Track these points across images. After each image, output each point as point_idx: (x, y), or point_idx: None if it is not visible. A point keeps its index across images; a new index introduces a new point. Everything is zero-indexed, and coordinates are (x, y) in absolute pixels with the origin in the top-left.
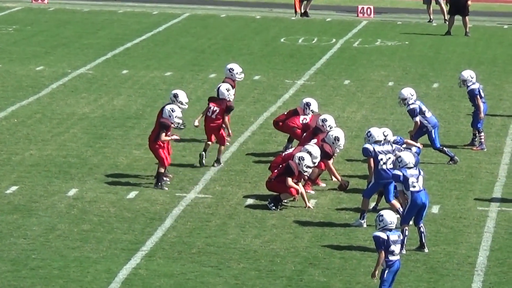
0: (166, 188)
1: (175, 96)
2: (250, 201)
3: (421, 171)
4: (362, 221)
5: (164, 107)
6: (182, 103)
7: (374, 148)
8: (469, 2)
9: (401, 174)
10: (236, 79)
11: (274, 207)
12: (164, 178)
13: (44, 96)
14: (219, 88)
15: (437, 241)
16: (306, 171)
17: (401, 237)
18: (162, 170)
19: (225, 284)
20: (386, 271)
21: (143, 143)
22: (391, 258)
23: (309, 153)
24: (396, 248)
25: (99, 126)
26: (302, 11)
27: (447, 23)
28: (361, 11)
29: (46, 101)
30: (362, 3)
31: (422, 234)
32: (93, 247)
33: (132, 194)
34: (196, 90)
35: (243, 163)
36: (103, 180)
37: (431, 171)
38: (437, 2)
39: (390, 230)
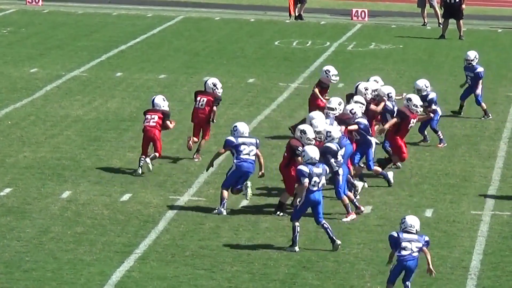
0: None
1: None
2: (243, 204)
3: (326, 169)
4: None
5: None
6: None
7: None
8: (463, 6)
9: (307, 170)
10: None
11: (282, 213)
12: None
13: (38, 98)
14: (206, 81)
15: (430, 245)
16: (310, 144)
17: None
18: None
19: (219, 287)
20: (395, 265)
21: (137, 145)
22: (403, 253)
23: (310, 124)
24: (407, 244)
25: (93, 129)
26: (296, 14)
27: (441, 26)
28: (355, 14)
29: (40, 103)
30: (356, 6)
31: (328, 230)
32: (87, 250)
33: (125, 197)
34: (190, 93)
35: None
36: (97, 182)
37: (424, 175)
38: (431, 6)
39: (410, 232)
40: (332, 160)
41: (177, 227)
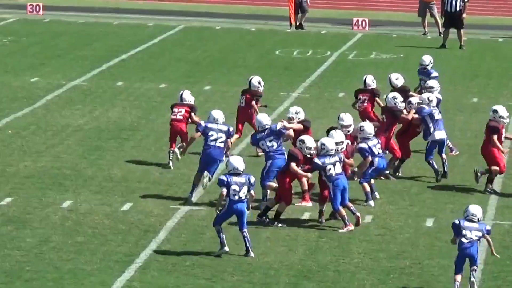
0: None
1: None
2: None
3: (250, 178)
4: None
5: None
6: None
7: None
8: (464, 15)
9: (225, 179)
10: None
11: (280, 224)
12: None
13: (39, 107)
14: (250, 80)
15: (431, 255)
16: (309, 153)
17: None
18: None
19: None
20: (458, 254)
21: (138, 155)
22: (463, 241)
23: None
24: (467, 232)
25: (94, 138)
26: (297, 24)
27: (442, 36)
28: (356, 23)
29: (41, 112)
30: (357, 16)
31: (246, 239)
32: (87, 259)
33: (126, 206)
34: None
35: None
36: (98, 192)
37: (425, 184)
38: (432, 15)
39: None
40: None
41: (178, 237)
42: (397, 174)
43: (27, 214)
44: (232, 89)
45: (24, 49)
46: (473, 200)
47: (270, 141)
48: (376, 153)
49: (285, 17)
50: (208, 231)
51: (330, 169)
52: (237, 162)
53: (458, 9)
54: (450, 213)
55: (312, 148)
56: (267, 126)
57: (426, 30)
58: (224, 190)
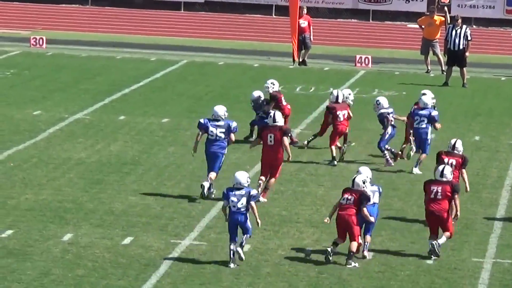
0: None
1: None
2: (245, 249)
3: (251, 191)
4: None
5: None
6: None
7: None
8: (467, 54)
9: (225, 192)
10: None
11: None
12: None
13: (40, 140)
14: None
15: None
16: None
17: None
18: None
19: None
20: None
21: (139, 189)
22: None
23: None
24: None
25: (95, 172)
26: (300, 60)
27: (445, 74)
28: (359, 60)
29: (43, 145)
30: (360, 52)
31: (242, 242)
32: None
33: (127, 240)
34: (193, 137)
35: None
36: (99, 225)
37: (425, 222)
38: (435, 53)
39: None
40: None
41: (178, 271)
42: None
43: (27, 246)
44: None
45: (27, 82)
46: (473, 238)
47: (219, 131)
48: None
49: (288, 53)
50: (209, 266)
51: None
52: (241, 177)
53: (461, 47)
54: (451, 251)
55: None
56: (223, 117)
57: (429, 68)
58: (225, 201)
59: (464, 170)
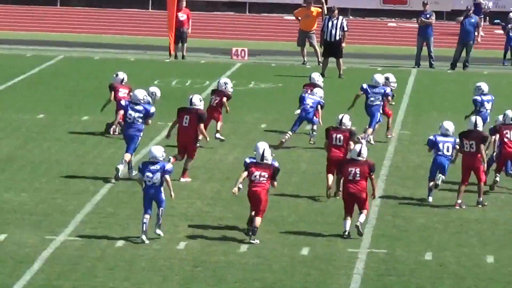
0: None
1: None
2: (119, 243)
3: (165, 165)
4: None
5: None
6: None
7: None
8: (343, 45)
9: (140, 166)
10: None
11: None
12: None
13: None
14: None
15: (306, 284)
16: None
17: None
18: None
19: None
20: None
21: (14, 185)
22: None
23: None
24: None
25: None
26: (177, 54)
27: (321, 65)
28: (235, 53)
29: None
30: (237, 45)
31: (158, 216)
32: None
33: (1, 237)
34: (66, 133)
35: (114, 205)
36: None
37: (301, 213)
38: (311, 45)
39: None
40: None
41: (53, 267)
42: None
43: None
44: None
45: None
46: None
47: (137, 115)
48: None
49: (164, 47)
50: (83, 261)
51: None
52: (156, 151)
53: (337, 38)
54: (326, 242)
55: None
56: (141, 102)
57: (305, 59)
58: (140, 175)
59: (351, 143)
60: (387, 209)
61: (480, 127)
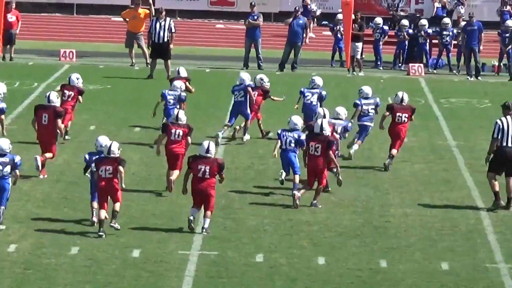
0: None
1: None
2: None
3: (15, 158)
4: None
5: None
6: None
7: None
8: (171, 46)
9: None
10: None
11: None
12: None
13: None
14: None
15: (137, 286)
16: None
17: None
18: None
19: None
20: None
21: None
22: None
23: None
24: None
25: None
26: (7, 55)
27: (149, 66)
28: (63, 54)
29: None
30: (65, 47)
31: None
32: None
33: None
34: None
35: None
36: None
37: (132, 215)
38: (139, 46)
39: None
40: None
41: None
42: None
43: None
44: None
45: None
46: (179, 230)
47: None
48: None
49: None
50: None
51: None
52: (2, 143)
53: (165, 40)
54: (157, 243)
55: None
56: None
57: (134, 61)
58: None
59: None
60: (217, 211)
61: (326, 131)
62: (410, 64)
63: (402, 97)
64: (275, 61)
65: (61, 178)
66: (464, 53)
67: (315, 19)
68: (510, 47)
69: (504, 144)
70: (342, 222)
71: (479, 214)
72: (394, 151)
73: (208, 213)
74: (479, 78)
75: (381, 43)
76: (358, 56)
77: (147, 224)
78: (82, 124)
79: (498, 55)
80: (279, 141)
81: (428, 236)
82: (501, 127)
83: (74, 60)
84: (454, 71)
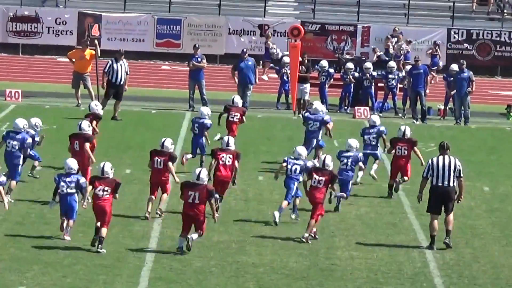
0: None
1: None
2: None
3: (79, 179)
4: None
5: None
6: None
7: None
8: (126, 88)
9: (56, 178)
10: None
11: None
12: None
13: None
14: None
15: None
16: None
17: None
18: None
19: None
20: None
21: None
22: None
23: None
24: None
25: None
26: None
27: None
28: (9, 94)
29: None
30: (11, 86)
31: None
32: None
33: None
34: None
35: None
36: None
37: (77, 255)
38: (86, 87)
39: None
40: None
41: None
42: None
43: None
44: None
45: None
46: (126, 271)
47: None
48: None
49: None
50: None
51: None
52: (71, 163)
53: (122, 81)
54: (103, 284)
55: None
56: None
57: (79, 102)
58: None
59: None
60: (164, 252)
61: (330, 167)
62: (356, 107)
63: (404, 131)
64: (220, 102)
65: (8, 218)
66: (410, 96)
67: (260, 61)
68: (454, 91)
69: (435, 183)
70: (288, 264)
71: (425, 258)
72: (405, 178)
73: (199, 231)
74: (425, 121)
75: (326, 86)
76: (306, 98)
77: (93, 265)
78: (27, 164)
79: (443, 99)
80: (284, 166)
81: (375, 279)
82: (431, 166)
83: (20, 100)
84: (400, 115)
